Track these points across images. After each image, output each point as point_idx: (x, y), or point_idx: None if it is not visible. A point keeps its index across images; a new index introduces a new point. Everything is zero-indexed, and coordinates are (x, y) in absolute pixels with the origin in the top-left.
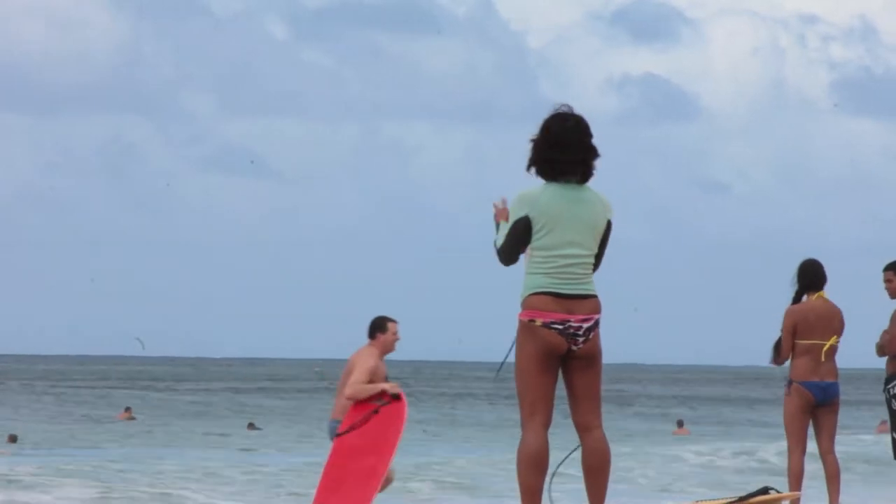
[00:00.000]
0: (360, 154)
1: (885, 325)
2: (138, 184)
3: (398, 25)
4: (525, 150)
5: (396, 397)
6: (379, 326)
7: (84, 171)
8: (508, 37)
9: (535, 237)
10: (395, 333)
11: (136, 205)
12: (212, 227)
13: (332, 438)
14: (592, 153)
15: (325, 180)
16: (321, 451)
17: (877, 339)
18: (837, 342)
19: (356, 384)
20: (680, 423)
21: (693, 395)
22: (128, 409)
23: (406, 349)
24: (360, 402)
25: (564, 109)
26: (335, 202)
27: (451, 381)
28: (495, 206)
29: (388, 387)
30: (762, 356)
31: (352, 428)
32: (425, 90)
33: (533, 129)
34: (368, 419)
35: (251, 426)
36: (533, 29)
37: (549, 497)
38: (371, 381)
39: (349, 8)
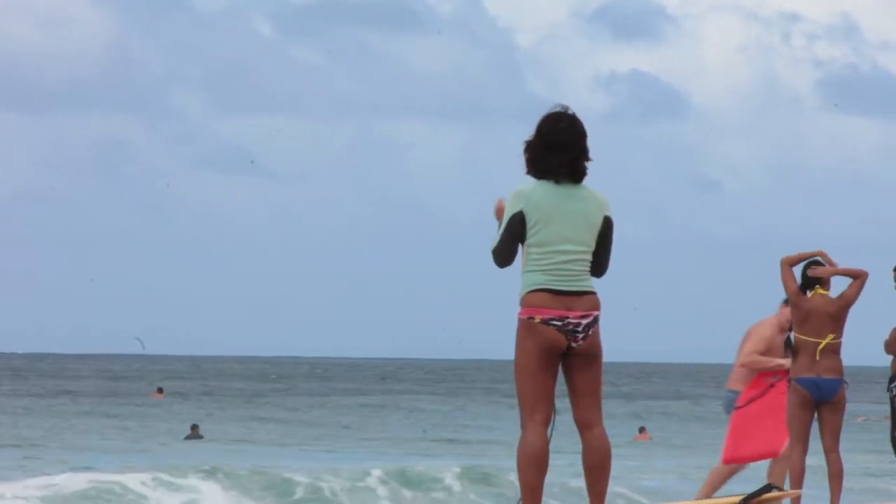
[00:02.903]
0: (353, 152)
1: (882, 321)
2: (133, 183)
3: (384, 23)
4: (518, 148)
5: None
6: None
7: (78, 169)
8: (496, 35)
9: (529, 234)
10: None
11: (131, 203)
12: (206, 226)
13: (727, 409)
14: (584, 155)
15: (319, 178)
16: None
17: (882, 336)
18: (836, 339)
19: (751, 354)
20: (641, 429)
21: (676, 394)
22: (160, 390)
23: (404, 348)
24: (759, 376)
25: (559, 109)
26: (328, 200)
27: (450, 380)
28: (499, 202)
29: (785, 363)
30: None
31: (750, 401)
32: (415, 88)
33: (524, 127)
34: (764, 393)
35: (194, 429)
36: (520, 27)
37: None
38: (767, 352)
39: (333, 6)
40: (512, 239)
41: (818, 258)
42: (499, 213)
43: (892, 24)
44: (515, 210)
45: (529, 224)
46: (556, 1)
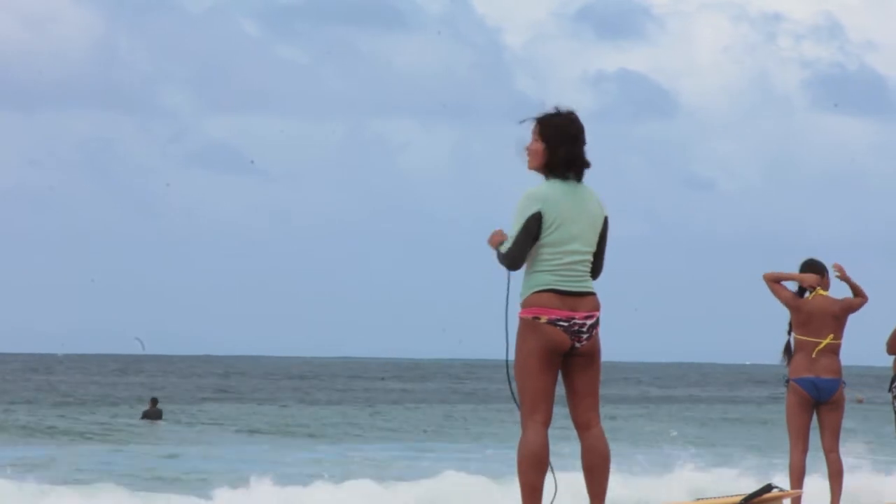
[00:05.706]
0: (344, 151)
1: (882, 321)
2: (125, 182)
3: (372, 23)
4: (508, 147)
5: None
6: None
7: (69, 168)
8: (484, 34)
9: (544, 234)
10: None
11: (123, 203)
12: (196, 225)
13: None
14: (584, 150)
15: (310, 178)
16: None
17: (883, 336)
18: (835, 340)
19: None
20: None
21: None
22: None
23: (402, 348)
24: None
25: (559, 109)
26: (320, 200)
27: (449, 379)
28: (495, 233)
29: None
30: (753, 354)
31: None
32: (404, 88)
33: (514, 126)
34: None
35: (153, 403)
36: (508, 26)
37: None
38: None
39: (319, 5)
40: (528, 240)
41: (814, 259)
42: (494, 241)
43: (876, 24)
44: (533, 211)
45: (546, 224)
46: (539, 1)
